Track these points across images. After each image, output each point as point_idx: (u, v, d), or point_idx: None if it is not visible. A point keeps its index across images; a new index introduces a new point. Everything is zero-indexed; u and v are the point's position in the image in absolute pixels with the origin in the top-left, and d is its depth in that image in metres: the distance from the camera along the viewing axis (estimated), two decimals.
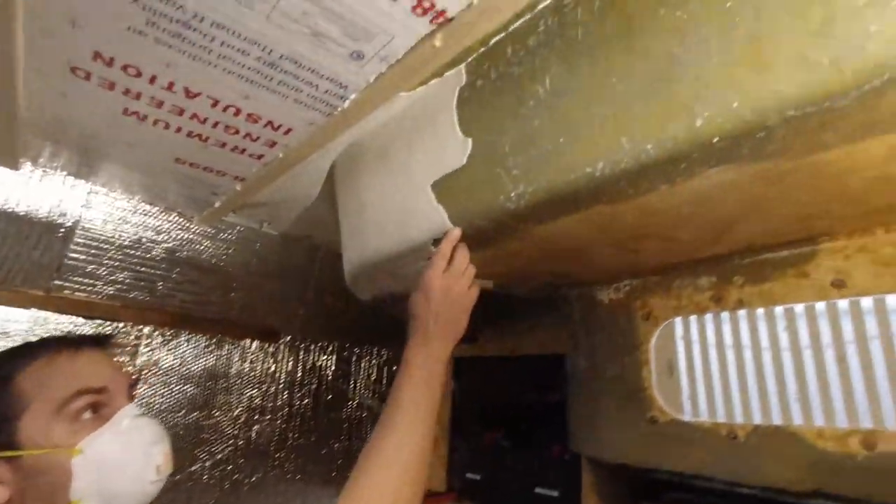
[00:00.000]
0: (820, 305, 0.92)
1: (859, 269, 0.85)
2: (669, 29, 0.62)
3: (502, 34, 0.82)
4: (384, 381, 2.31)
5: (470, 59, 0.89)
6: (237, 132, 1.07)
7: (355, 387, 2.22)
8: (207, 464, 1.75)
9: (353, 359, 2.24)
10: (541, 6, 0.76)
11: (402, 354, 0.88)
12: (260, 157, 1.19)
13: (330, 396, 2.13)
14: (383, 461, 0.76)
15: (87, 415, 0.73)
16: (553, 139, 0.75)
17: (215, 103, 0.96)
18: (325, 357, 2.16)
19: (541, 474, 1.78)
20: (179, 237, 1.67)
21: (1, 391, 0.70)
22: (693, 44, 0.60)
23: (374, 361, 2.30)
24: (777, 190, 0.72)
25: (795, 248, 0.92)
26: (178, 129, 1.06)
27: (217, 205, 1.48)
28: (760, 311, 0.99)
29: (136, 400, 0.80)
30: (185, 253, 1.68)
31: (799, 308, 0.96)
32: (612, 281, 1.22)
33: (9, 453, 0.68)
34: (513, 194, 0.81)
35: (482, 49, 0.86)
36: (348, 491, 0.75)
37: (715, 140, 0.60)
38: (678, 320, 1.13)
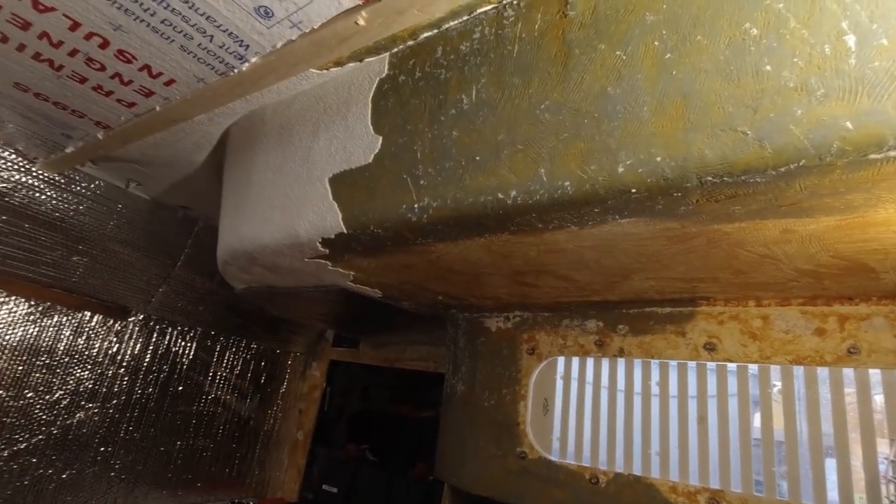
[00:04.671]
0: (691, 362, 0.96)
1: (730, 337, 0.89)
2: (608, 66, 0.58)
3: (434, 31, 0.75)
4: (248, 378, 2.10)
5: (396, 50, 0.81)
6: (103, 69, 0.88)
7: (214, 380, 1.99)
8: (5, 453, 1.44)
9: (218, 349, 2.01)
10: (479, 10, 0.70)
11: None
12: (131, 104, 1.00)
13: (181, 387, 1.88)
14: None
15: None
16: (469, 155, 0.68)
17: (75, 25, 0.77)
18: (184, 343, 1.91)
19: (401, 495, 1.72)
20: (13, 179, 1.36)
21: None
22: (628, 87, 0.57)
23: (241, 355, 2.08)
24: (676, 250, 0.73)
25: (677, 307, 0.95)
26: (21, 48, 0.84)
27: (70, 150, 1.23)
28: (638, 360, 1.02)
29: None
30: (17, 199, 1.38)
31: (672, 361, 0.99)
32: (502, 310, 1.19)
33: None
34: (416, 206, 0.73)
35: (410, 42, 0.78)
36: None
37: (633, 191, 0.57)
38: (561, 359, 1.12)
